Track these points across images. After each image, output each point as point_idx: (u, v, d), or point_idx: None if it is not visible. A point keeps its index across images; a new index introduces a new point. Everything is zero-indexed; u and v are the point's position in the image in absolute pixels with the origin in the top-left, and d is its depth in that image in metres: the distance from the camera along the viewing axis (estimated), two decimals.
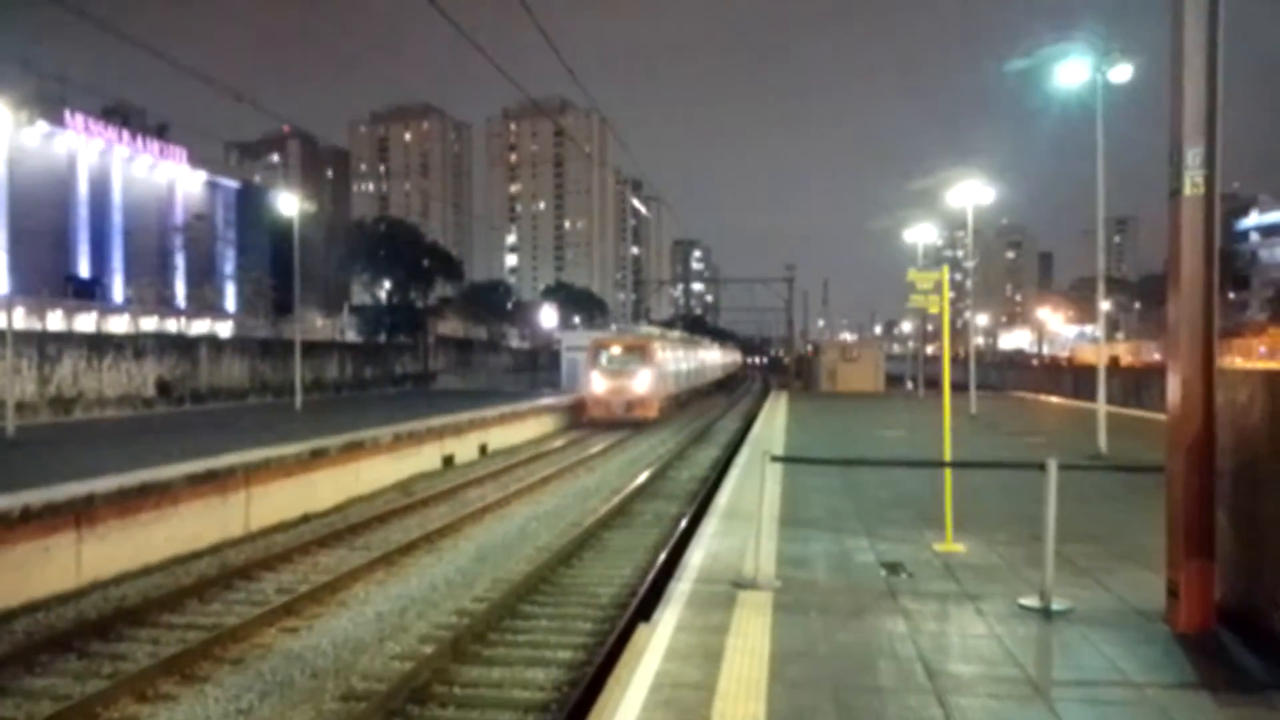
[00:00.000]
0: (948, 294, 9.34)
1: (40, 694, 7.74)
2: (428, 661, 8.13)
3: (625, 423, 31.09)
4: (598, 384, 32.48)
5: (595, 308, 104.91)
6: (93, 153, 61.76)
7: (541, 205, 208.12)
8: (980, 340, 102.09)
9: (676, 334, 50.07)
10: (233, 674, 8.12)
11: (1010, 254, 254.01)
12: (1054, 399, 37.85)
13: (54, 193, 58.15)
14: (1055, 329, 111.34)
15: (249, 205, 73.25)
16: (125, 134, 65.15)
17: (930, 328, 50.93)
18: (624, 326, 43.92)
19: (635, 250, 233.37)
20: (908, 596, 7.60)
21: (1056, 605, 7.17)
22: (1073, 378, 49.21)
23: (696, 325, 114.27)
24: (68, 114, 58.73)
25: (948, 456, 9.45)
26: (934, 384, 43.80)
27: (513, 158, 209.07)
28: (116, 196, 63.93)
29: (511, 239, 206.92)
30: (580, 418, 32.61)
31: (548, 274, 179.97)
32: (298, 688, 7.81)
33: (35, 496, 10.88)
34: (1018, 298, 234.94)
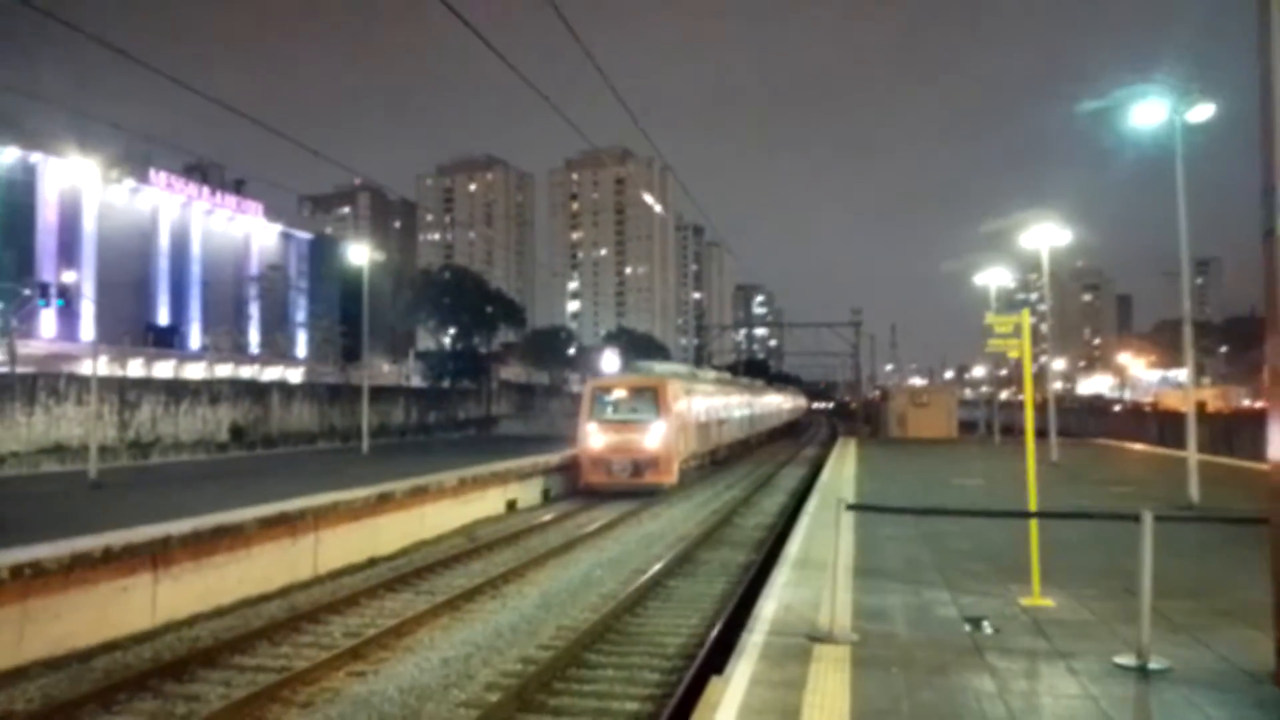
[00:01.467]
0: (1029, 337, 9.03)
1: None
2: (494, 710, 8.00)
3: (632, 491, 23.75)
4: (595, 438, 24.74)
5: (656, 352, 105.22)
6: (174, 207, 64.59)
7: (603, 252, 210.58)
8: (1059, 385, 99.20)
9: (713, 374, 41.50)
10: (301, 717, 8.10)
11: (1087, 297, 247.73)
12: (1138, 446, 36.41)
13: (137, 245, 60.85)
14: (1137, 374, 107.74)
15: (321, 256, 75.58)
16: (205, 189, 68.08)
17: (1004, 372, 49.70)
18: (635, 365, 32.31)
19: (697, 295, 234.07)
20: (994, 653, 7.23)
21: (1154, 664, 6.76)
22: (1158, 424, 47.32)
23: (758, 369, 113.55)
24: (152, 172, 61.63)
25: (1034, 505, 9.06)
26: (1010, 430, 42.56)
27: (574, 206, 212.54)
28: (196, 248, 66.61)
29: (573, 285, 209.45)
30: (577, 483, 25.40)
31: (609, 319, 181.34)
32: None
33: (115, 538, 11.14)
34: (1096, 341, 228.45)
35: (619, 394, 25.76)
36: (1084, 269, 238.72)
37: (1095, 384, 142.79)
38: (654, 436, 24.49)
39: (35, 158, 54.11)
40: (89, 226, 55.51)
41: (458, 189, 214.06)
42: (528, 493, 23.40)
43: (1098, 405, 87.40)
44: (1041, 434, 28.03)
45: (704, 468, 30.86)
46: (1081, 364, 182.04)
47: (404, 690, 8.82)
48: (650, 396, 25.20)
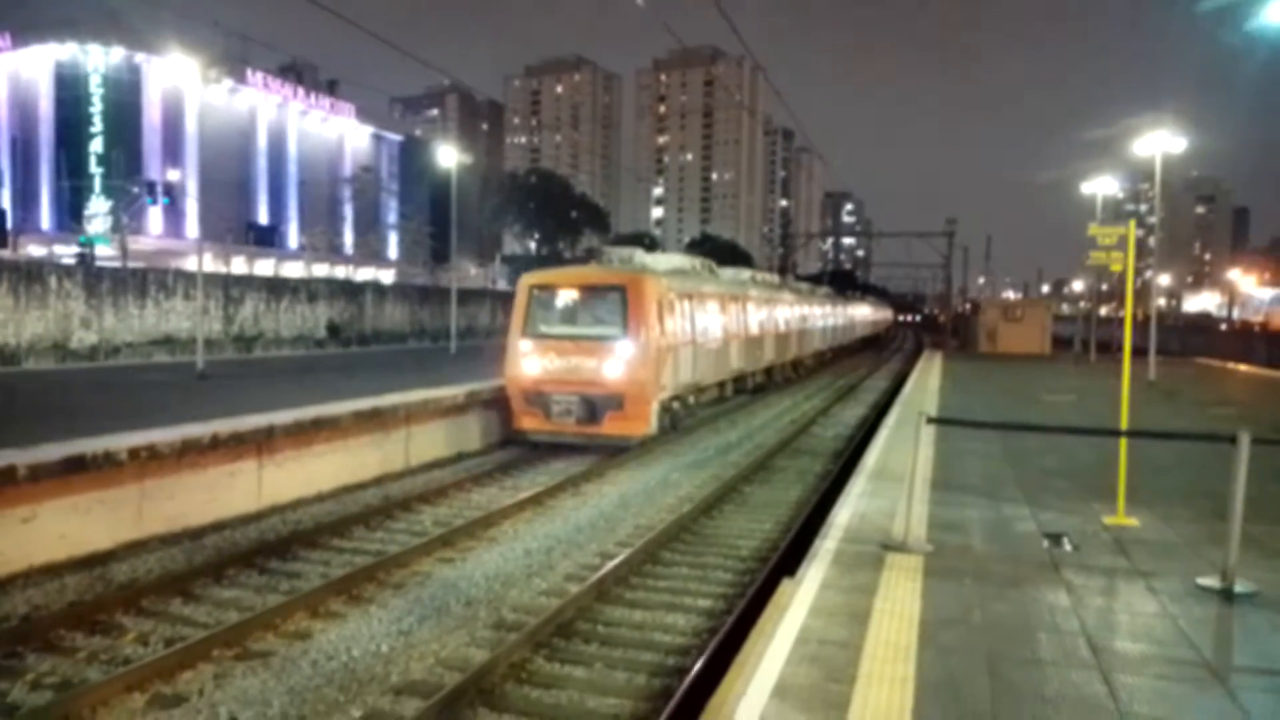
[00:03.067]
0: (1134, 250, 8.61)
1: (228, 604, 8.49)
2: (574, 599, 8.37)
3: (588, 444, 16.45)
4: (528, 362, 16.79)
5: (740, 260, 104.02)
6: (271, 107, 65.86)
7: (689, 157, 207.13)
8: (1163, 302, 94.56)
9: (747, 273, 30.01)
10: (395, 597, 8.64)
11: (1200, 209, 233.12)
12: (1243, 367, 34.71)
13: (237, 145, 62.53)
14: (1248, 291, 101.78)
15: (410, 158, 76.44)
16: (300, 90, 69.10)
17: (1105, 287, 47.57)
18: (603, 251, 21.40)
19: (784, 203, 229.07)
20: (1072, 569, 7.18)
21: (1240, 587, 6.62)
22: (1266, 344, 44.92)
23: (845, 280, 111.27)
24: (249, 72, 62.74)
25: (1125, 424, 8.81)
26: (1107, 347, 41.03)
27: (661, 109, 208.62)
28: (292, 149, 68.11)
29: (659, 191, 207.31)
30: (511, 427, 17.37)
31: (693, 226, 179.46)
32: (453, 614, 8.23)
33: (223, 426, 11.84)
34: (1206, 256, 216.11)
35: (567, 296, 17.24)
36: (1199, 179, 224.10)
37: (1202, 301, 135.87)
38: (617, 362, 16.12)
39: (139, 58, 55.59)
40: (191, 126, 57.20)
41: (545, 90, 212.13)
42: None
43: (1203, 323, 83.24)
44: (1140, 352, 27.03)
45: (724, 399, 23.37)
46: (1189, 280, 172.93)
47: (489, 577, 9.29)
48: (616, 301, 16.60)
